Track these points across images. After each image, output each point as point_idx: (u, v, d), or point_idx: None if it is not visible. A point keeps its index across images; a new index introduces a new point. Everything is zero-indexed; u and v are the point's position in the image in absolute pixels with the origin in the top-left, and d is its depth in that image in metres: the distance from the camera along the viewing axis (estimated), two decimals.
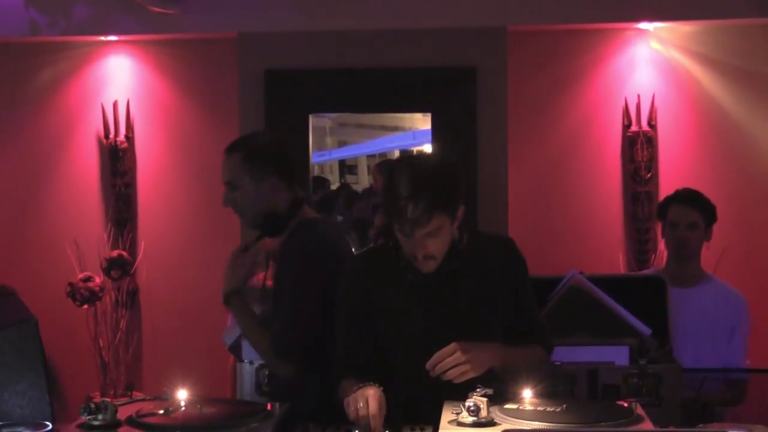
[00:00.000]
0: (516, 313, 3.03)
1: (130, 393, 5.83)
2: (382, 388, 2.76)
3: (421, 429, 2.69)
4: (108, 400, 2.62)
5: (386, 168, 3.79)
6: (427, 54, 5.81)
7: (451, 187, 2.88)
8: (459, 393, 2.67)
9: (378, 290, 3.01)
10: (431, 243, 2.87)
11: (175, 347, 6.05)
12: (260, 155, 3.33)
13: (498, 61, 5.78)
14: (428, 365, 2.78)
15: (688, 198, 4.41)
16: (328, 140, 8.37)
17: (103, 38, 6.10)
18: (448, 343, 2.84)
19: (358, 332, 3.02)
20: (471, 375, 2.77)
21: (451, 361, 2.77)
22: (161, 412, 2.72)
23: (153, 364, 6.19)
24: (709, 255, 4.56)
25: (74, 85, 6.21)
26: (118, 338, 6.12)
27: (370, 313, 3.00)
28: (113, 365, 6.11)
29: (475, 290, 2.97)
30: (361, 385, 2.78)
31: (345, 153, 8.79)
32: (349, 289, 3.06)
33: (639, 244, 5.89)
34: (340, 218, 6.99)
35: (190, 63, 6.15)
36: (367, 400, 2.68)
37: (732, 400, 4.12)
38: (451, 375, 2.76)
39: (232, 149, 3.35)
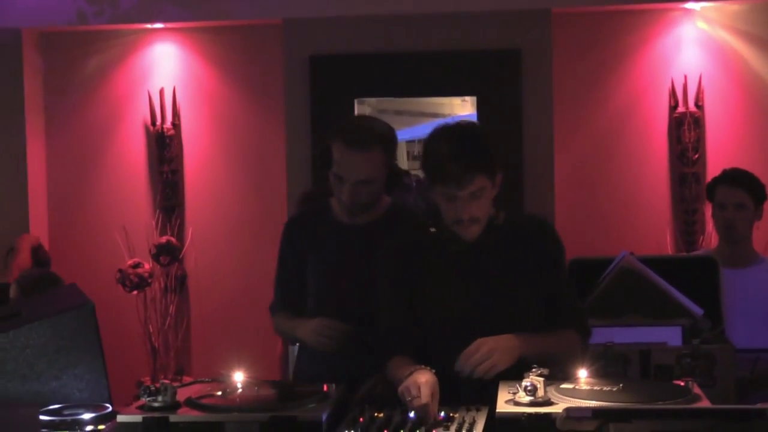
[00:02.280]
0: (549, 295, 3.00)
1: (180, 377, 5.87)
2: (433, 371, 2.75)
3: (477, 409, 2.69)
4: (167, 382, 2.65)
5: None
6: (471, 37, 5.79)
7: (491, 149, 2.89)
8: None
9: (418, 264, 3.01)
10: (475, 205, 2.87)
11: (223, 332, 6.09)
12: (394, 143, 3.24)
13: (543, 43, 5.75)
14: (457, 366, 2.77)
15: (734, 178, 4.37)
16: None
17: (149, 26, 6.14)
18: (482, 318, 2.87)
19: (403, 307, 3.03)
20: (500, 368, 2.76)
21: (478, 358, 2.75)
22: (219, 393, 2.75)
23: (202, 349, 6.24)
24: (760, 236, 4.52)
25: (121, 73, 6.25)
26: (167, 324, 6.17)
27: (412, 287, 3.01)
28: (163, 350, 6.17)
29: (507, 267, 2.97)
30: (412, 369, 2.76)
31: None
32: (391, 265, 3.06)
33: (687, 226, 5.85)
34: None
35: (236, 50, 6.17)
36: (420, 388, 2.64)
37: None
38: (480, 371, 2.75)
39: (369, 145, 3.15)
